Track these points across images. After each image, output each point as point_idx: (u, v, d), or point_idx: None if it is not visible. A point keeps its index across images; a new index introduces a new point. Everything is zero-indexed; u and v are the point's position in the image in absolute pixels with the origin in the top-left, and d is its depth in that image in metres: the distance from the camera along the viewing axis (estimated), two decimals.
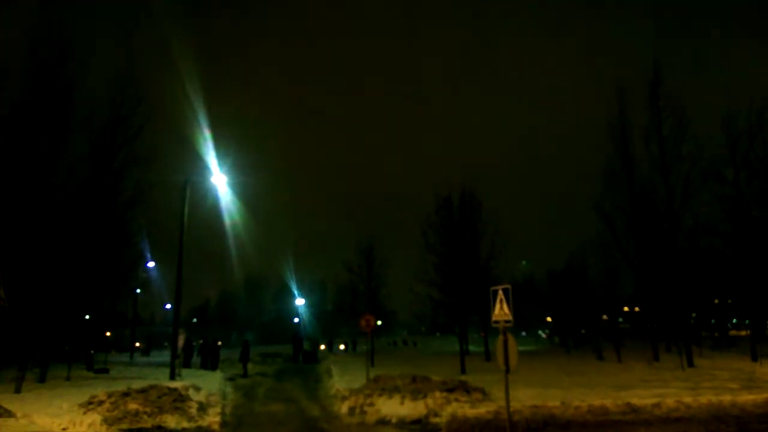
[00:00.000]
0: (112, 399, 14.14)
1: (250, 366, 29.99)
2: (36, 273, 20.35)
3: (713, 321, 50.30)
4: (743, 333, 48.24)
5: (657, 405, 14.45)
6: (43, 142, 21.75)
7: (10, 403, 14.01)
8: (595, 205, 31.89)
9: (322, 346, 54.29)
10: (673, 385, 18.07)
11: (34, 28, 23.11)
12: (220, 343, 34.05)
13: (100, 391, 15.26)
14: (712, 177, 28.92)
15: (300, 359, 38.66)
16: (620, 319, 47.69)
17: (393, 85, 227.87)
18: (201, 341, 33.34)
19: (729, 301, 45.13)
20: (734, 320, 53.45)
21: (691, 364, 25.57)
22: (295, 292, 75.29)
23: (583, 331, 47.13)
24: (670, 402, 14.64)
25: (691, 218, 28.99)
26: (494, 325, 11.16)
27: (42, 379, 20.69)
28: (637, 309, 43.60)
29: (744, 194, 28.82)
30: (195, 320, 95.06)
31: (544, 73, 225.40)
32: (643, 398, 15.02)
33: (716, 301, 45.27)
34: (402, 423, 13.78)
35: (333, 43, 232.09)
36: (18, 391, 17.55)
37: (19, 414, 12.96)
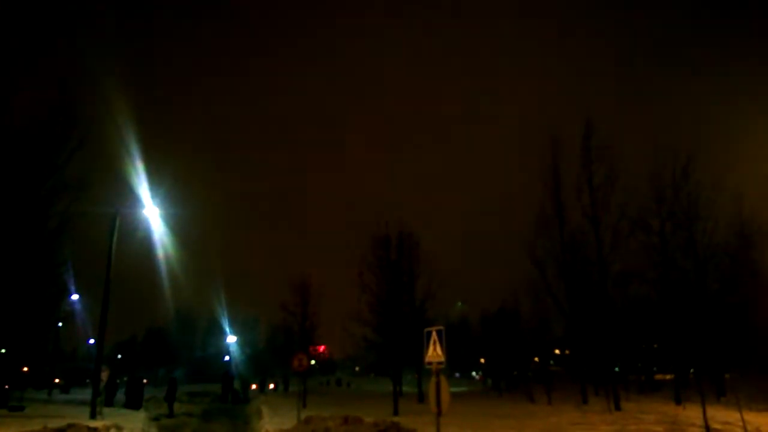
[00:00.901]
0: None
1: (176, 405, 28.76)
2: None
3: (640, 365, 52.11)
4: (668, 377, 50.14)
5: None
6: None
7: None
8: (527, 250, 32.82)
9: (254, 386, 52.79)
10: (601, 429, 18.35)
11: None
12: (145, 381, 32.59)
13: (13, 431, 14.30)
14: (640, 227, 30.19)
15: (229, 399, 37.44)
16: (551, 362, 48.78)
17: (331, 122, 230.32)
18: (125, 378, 31.85)
19: (654, 345, 46.92)
20: (658, 365, 55.61)
21: (618, 407, 26.27)
22: (227, 329, 73.20)
23: (515, 372, 47.87)
24: None
25: (620, 265, 30.15)
26: (427, 366, 11.22)
27: None
28: (567, 351, 44.76)
29: (669, 244, 30.30)
30: (120, 356, 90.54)
31: (481, 121, 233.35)
32: None
33: (643, 345, 46.94)
34: None
35: (266, 81, 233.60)
36: None
37: None
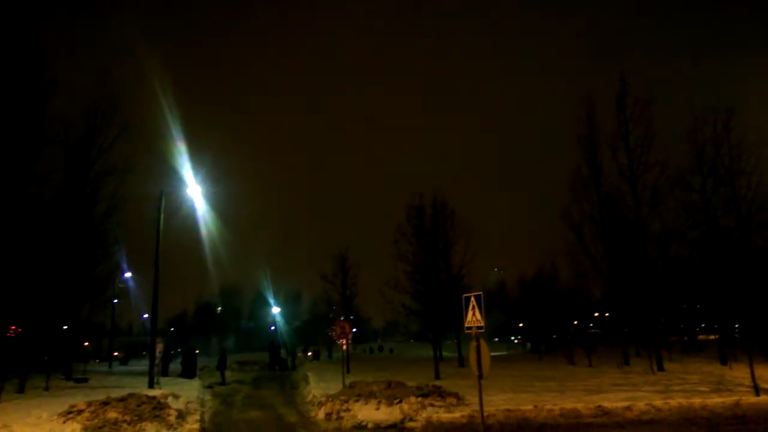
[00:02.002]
0: (92, 408, 14.19)
1: (227, 373, 30.02)
2: (12, 284, 20.25)
3: (682, 326, 51.44)
4: (712, 337, 49.36)
5: (628, 408, 14.69)
6: (16, 153, 21.74)
7: None
8: (563, 214, 32.63)
9: (299, 354, 54.27)
10: (644, 389, 18.42)
11: (3, 40, 23.13)
12: (197, 351, 33.97)
13: (79, 400, 15.29)
14: (680, 185, 29.68)
15: (276, 367, 38.72)
16: (591, 324, 48.55)
17: (368, 97, 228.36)
18: (180, 350, 33.28)
19: (697, 306, 46.20)
20: (703, 325, 54.66)
21: (661, 368, 26.19)
22: (271, 301, 75.16)
23: (554, 336, 47.92)
24: (640, 405, 14.87)
25: (659, 225, 29.77)
26: (467, 331, 11.53)
27: (21, 390, 20.56)
28: (607, 314, 44.44)
29: (710, 202, 29.64)
30: (172, 329, 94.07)
31: (515, 86, 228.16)
32: (614, 401, 15.30)
33: (684, 306, 46.30)
34: (378, 428, 14.06)
35: (308, 55, 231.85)
36: None
37: None
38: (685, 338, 48.70)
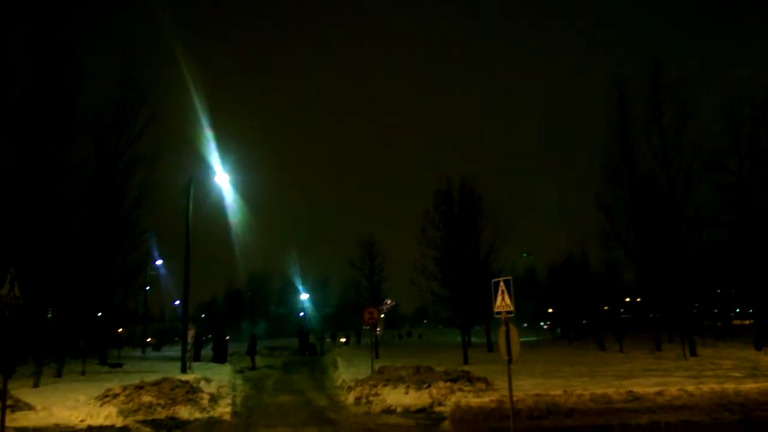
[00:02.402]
0: (127, 392, 14.54)
1: (258, 359, 30.46)
2: (48, 271, 20.80)
3: (716, 310, 50.43)
4: (747, 322, 48.27)
5: (660, 393, 14.51)
6: (48, 144, 22.23)
7: (30, 397, 14.44)
8: (594, 197, 32.07)
9: (328, 339, 54.79)
10: (676, 374, 18.18)
11: (35, 35, 23.58)
12: (228, 337, 34.50)
13: (114, 384, 15.68)
14: (714, 167, 29.02)
15: (306, 352, 39.18)
16: (622, 310, 47.87)
17: (393, 81, 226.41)
18: (210, 335, 33.83)
19: (732, 290, 45.23)
20: (737, 309, 53.48)
21: (693, 354, 25.77)
22: (300, 288, 75.93)
23: (584, 322, 47.41)
24: (672, 390, 14.67)
25: (693, 209, 29.12)
26: (496, 316, 11.45)
27: (59, 374, 21.20)
28: (638, 299, 43.71)
29: (747, 184, 28.87)
30: (203, 315, 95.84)
31: (544, 68, 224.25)
32: (645, 387, 15.12)
33: (718, 290, 45.36)
34: (407, 412, 14.11)
35: (335, 36, 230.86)
36: (36, 385, 18.03)
37: (38, 407, 13.35)
38: (719, 323, 47.71)
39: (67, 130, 22.96)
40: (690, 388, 14.97)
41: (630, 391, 14.61)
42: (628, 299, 44.00)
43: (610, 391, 14.71)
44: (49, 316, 21.14)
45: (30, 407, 13.33)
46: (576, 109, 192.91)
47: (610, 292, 38.69)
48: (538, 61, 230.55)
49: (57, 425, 12.56)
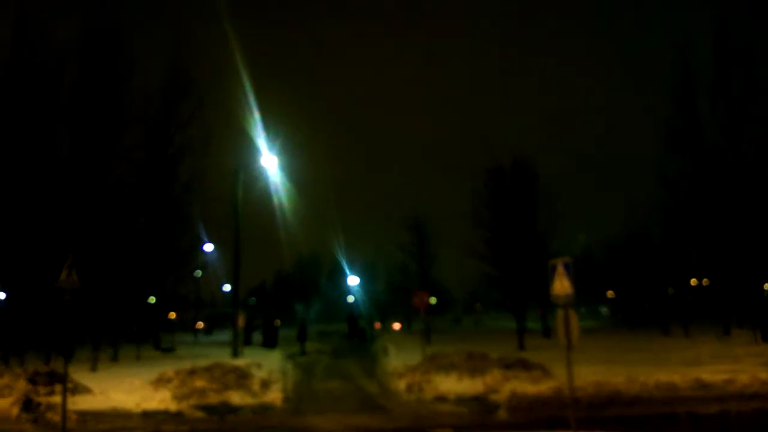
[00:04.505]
0: (180, 376, 14.65)
1: (307, 344, 30.60)
2: (103, 257, 21.28)
3: None
4: None
5: (729, 381, 13.86)
6: (101, 132, 22.66)
7: (88, 380, 14.74)
8: (657, 172, 30.30)
9: (378, 325, 54.84)
10: (747, 361, 17.28)
11: (86, 24, 23.98)
12: (278, 322, 34.76)
13: (168, 369, 15.82)
14: None
15: (355, 337, 39.22)
16: (687, 293, 45.77)
17: (440, 53, 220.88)
18: (260, 321, 34.18)
19: None
20: None
21: (766, 339, 24.40)
22: (348, 272, 76.10)
23: (646, 305, 45.65)
24: (744, 378, 13.98)
25: (765, 183, 27.25)
26: (553, 300, 10.85)
27: (115, 358, 21.78)
28: (705, 281, 41.62)
29: None
30: (254, 300, 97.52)
31: (596, 33, 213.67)
32: (714, 374, 14.40)
33: None
34: (460, 400, 13.73)
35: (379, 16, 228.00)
36: (94, 369, 18.52)
37: (96, 390, 13.65)
38: None
39: (118, 118, 23.35)
40: (763, 375, 14.18)
41: (697, 379, 13.97)
42: (694, 281, 41.87)
43: (676, 378, 14.07)
44: (104, 301, 21.64)
45: (88, 390, 13.64)
46: (636, 74, 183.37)
47: (674, 273, 36.92)
48: (592, 20, 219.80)
49: (114, 408, 12.81)
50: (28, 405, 12.07)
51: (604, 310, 78.64)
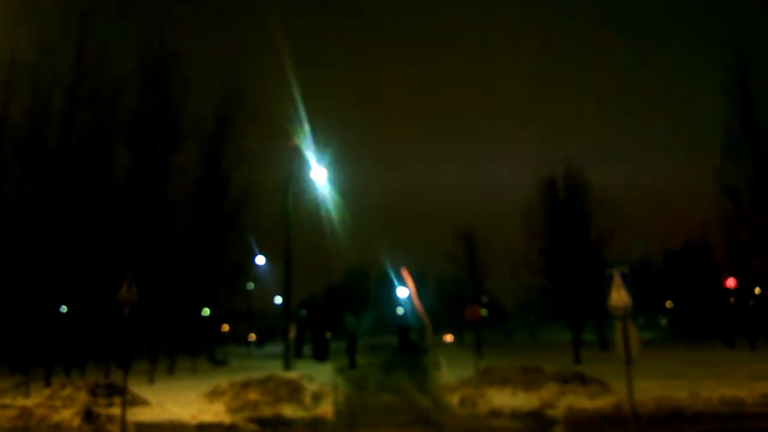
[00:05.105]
0: (234, 389, 14.87)
1: (358, 357, 30.52)
2: (160, 272, 21.93)
3: None
4: None
5: None
6: (158, 148, 23.48)
7: (145, 392, 15.19)
8: (715, 176, 29.02)
9: (429, 339, 54.27)
10: None
11: (144, 46, 25.00)
12: (329, 334, 34.91)
13: (222, 381, 16.10)
14: None
15: (406, 350, 38.90)
16: (751, 302, 43.59)
17: (493, 64, 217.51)
18: (310, 333, 34.35)
19: None
20: None
21: None
22: (396, 283, 75.77)
23: (708, 315, 43.69)
24: None
25: None
26: (611, 312, 10.50)
27: (171, 371, 22.32)
28: None
29: None
30: (305, 312, 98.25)
31: (648, 34, 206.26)
32: None
33: None
34: (515, 415, 13.39)
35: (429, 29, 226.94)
36: (151, 381, 19.02)
37: (153, 402, 14.02)
38: None
39: (174, 134, 24.19)
40: None
41: (766, 394, 13.16)
42: (758, 290, 39.79)
43: (743, 393, 13.33)
44: (161, 314, 22.28)
45: (146, 402, 13.99)
46: (691, 75, 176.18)
47: (737, 282, 35.25)
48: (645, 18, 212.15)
49: (170, 420, 13.03)
50: (88, 416, 12.43)
51: (663, 320, 75.71)
